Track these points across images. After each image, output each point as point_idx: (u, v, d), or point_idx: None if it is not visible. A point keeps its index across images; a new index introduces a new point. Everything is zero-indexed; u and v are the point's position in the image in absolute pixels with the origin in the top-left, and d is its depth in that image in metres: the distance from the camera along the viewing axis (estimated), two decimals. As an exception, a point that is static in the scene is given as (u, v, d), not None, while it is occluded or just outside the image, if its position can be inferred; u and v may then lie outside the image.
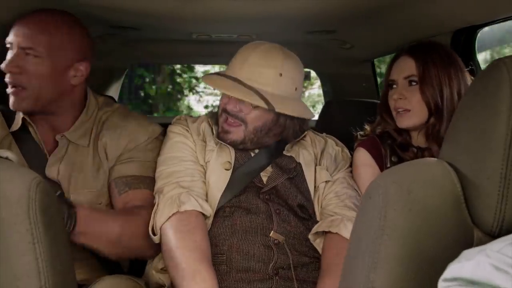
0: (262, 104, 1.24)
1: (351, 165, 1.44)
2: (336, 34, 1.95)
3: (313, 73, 3.08)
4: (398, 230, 0.71)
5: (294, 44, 1.54)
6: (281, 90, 1.29)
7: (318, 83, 6.48)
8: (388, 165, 1.40)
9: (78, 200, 1.28)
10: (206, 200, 1.25)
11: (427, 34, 1.60)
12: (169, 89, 7.37)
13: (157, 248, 1.24)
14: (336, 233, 1.23)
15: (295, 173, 1.35)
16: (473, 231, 0.73)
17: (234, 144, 1.33)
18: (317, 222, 1.30)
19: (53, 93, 1.26)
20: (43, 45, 1.22)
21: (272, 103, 1.24)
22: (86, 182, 1.30)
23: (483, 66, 1.68)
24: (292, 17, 1.64)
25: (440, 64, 1.34)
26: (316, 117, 2.26)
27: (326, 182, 1.35)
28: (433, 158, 0.80)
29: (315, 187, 1.35)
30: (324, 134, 1.49)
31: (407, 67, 1.37)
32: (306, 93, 7.22)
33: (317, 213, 1.33)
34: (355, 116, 1.61)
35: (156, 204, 1.24)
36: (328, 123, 2.08)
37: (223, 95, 1.35)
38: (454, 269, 0.57)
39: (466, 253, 0.59)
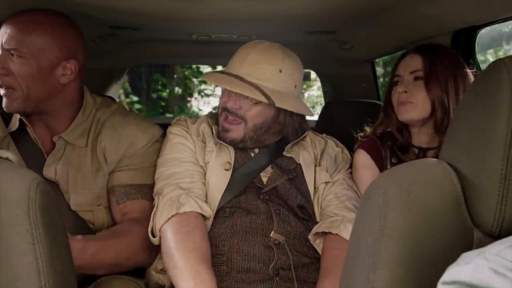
0: (262, 98, 1.24)
1: (351, 166, 1.44)
2: (336, 35, 1.95)
3: (312, 74, 3.08)
4: (398, 230, 0.71)
5: (294, 44, 1.54)
6: (280, 86, 1.29)
7: (317, 84, 6.50)
8: (388, 167, 1.41)
9: (78, 200, 1.28)
10: (206, 201, 1.26)
11: (427, 35, 1.61)
12: (180, 92, 7.85)
13: (156, 253, 1.24)
14: (336, 234, 1.23)
15: (295, 174, 1.35)
16: (473, 231, 0.73)
17: (234, 143, 1.33)
18: (317, 222, 1.30)
19: (43, 93, 1.26)
20: (26, 45, 1.21)
21: (272, 98, 1.25)
22: (85, 182, 1.30)
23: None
24: (292, 18, 1.64)
25: (447, 63, 1.36)
26: (316, 118, 2.27)
27: (326, 183, 1.35)
28: (433, 159, 0.80)
29: (314, 188, 1.35)
30: (324, 135, 1.49)
31: (414, 62, 1.39)
32: (306, 94, 7.24)
33: (317, 214, 1.33)
34: (355, 117, 1.61)
35: (155, 205, 1.24)
36: (328, 124, 2.09)
37: (223, 94, 1.35)
38: (453, 272, 0.57)
39: (465, 256, 0.58)
